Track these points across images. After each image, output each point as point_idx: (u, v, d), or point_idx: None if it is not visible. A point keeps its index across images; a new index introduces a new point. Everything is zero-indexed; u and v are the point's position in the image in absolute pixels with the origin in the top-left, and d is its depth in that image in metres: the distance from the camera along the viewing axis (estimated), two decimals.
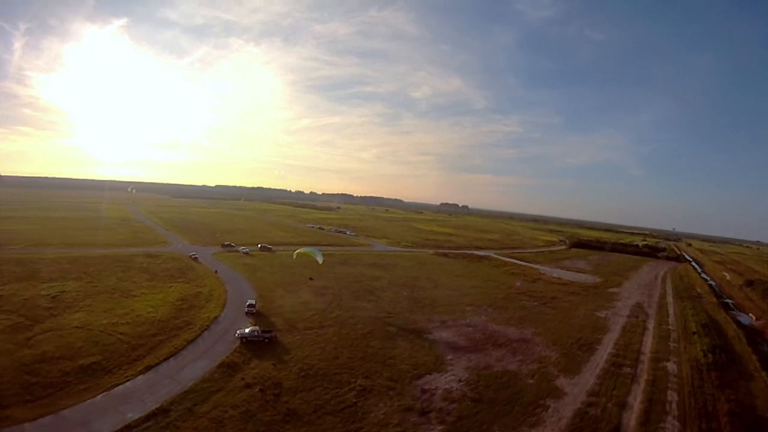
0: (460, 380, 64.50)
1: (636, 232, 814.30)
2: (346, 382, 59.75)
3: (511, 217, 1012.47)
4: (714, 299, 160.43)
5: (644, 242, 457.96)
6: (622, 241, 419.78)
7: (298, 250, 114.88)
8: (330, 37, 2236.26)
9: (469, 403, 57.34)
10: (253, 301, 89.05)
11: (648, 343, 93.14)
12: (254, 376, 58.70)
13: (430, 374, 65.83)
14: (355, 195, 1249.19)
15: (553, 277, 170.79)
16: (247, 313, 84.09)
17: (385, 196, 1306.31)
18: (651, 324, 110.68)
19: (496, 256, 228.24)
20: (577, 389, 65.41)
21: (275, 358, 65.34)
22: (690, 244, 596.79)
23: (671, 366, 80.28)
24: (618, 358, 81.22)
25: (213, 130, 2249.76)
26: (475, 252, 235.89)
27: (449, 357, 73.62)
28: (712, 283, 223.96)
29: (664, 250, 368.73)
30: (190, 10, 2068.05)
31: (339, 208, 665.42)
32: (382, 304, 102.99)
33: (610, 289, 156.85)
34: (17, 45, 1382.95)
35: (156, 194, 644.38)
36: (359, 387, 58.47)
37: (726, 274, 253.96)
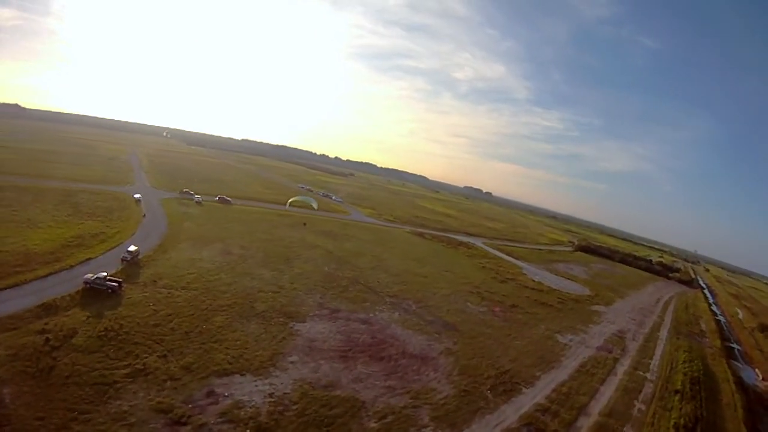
0: (271, 395, 46.84)
1: (655, 247, 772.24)
2: (135, 356, 48.48)
3: (531, 211, 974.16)
4: (718, 341, 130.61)
5: (659, 258, 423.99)
6: (635, 254, 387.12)
7: (291, 199, 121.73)
8: (379, 5, 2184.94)
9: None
10: (134, 249, 79.25)
11: (604, 398, 66.26)
12: (58, 323, 51.47)
13: (242, 375, 49.37)
14: (378, 165, 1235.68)
15: (532, 281, 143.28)
16: (122, 260, 75.49)
17: (409, 171, 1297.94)
18: (624, 365, 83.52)
19: (482, 245, 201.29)
20: None
21: (98, 310, 56.53)
22: (708, 270, 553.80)
23: None
24: (543, 418, 54.18)
25: (256, 81, 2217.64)
26: (459, 237, 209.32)
27: (292, 358, 55.23)
28: (721, 318, 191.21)
29: (677, 270, 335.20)
30: None
31: (351, 175, 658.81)
32: (284, 276, 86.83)
33: (595, 307, 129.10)
34: None
35: (177, 141, 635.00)
36: (139, 367, 46.40)
37: (739, 310, 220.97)
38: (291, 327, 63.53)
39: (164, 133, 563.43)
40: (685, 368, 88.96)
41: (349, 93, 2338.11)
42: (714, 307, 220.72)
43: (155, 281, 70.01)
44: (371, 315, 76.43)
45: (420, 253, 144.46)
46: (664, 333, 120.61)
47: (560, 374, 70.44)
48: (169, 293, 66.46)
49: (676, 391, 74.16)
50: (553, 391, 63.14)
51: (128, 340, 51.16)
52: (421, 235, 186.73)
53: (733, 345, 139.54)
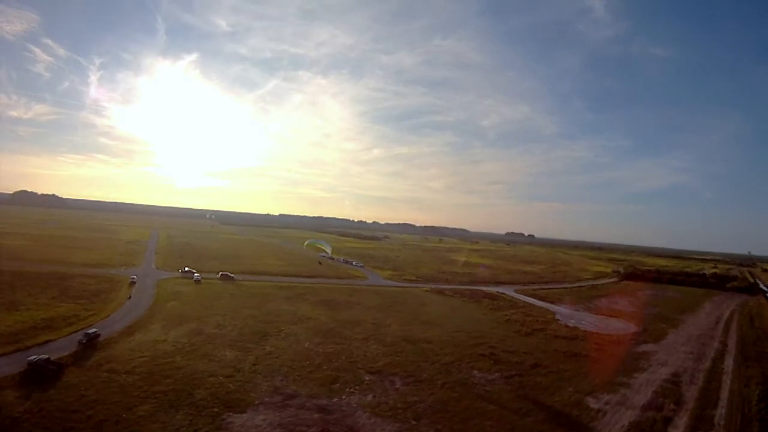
0: None
1: (707, 258, 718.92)
2: None
3: (575, 246, 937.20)
4: None
5: (713, 269, 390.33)
6: (687, 270, 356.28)
7: (306, 242, 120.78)
8: (396, 67, 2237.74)
9: None
10: (93, 331, 79.42)
11: None
12: None
13: None
14: (416, 224, 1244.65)
15: (565, 327, 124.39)
16: (79, 342, 75.22)
17: (449, 226, 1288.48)
18: (679, 427, 64.33)
19: (513, 294, 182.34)
20: None
21: (29, 392, 56.26)
22: (766, 270, 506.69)
23: None
24: None
25: (284, 160, 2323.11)
26: (487, 288, 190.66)
27: None
28: None
29: (734, 279, 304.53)
30: (258, 45, 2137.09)
31: (386, 238, 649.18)
32: (249, 357, 78.24)
33: (642, 347, 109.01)
34: (93, 78, 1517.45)
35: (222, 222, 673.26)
36: None
37: None
38: (223, 419, 54.20)
39: (207, 216, 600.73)
40: (762, 411, 69.59)
41: (380, 156, 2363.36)
42: None
43: (101, 365, 67.42)
44: (335, 400, 63.47)
45: (432, 314, 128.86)
46: (729, 363, 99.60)
47: None
48: (108, 377, 63.18)
49: None
50: None
51: (39, 424, 49.04)
52: (441, 292, 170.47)
53: None
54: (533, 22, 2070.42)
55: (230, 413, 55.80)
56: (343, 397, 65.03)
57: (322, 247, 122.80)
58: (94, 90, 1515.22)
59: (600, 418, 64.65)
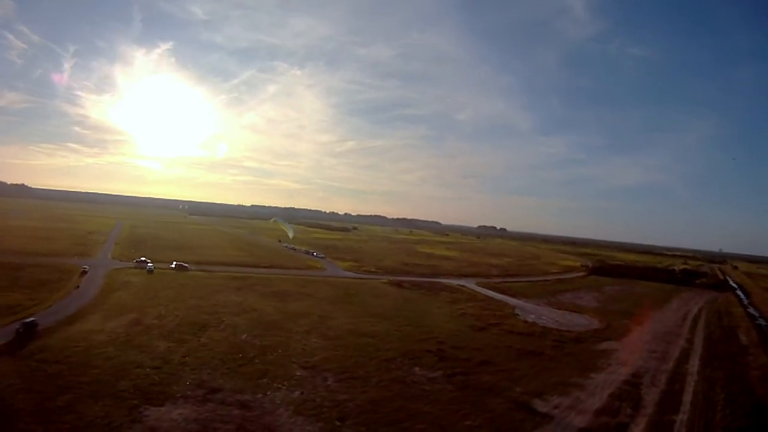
0: None
1: (679, 254, 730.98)
2: None
3: (548, 240, 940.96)
4: (764, 356, 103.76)
5: (683, 266, 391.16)
6: (657, 266, 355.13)
7: (273, 219, 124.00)
8: (372, 60, 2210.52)
9: None
10: (30, 320, 77.41)
11: None
12: None
13: None
14: (388, 217, 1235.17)
15: (524, 322, 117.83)
16: (16, 331, 72.73)
17: (422, 219, 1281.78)
18: None
19: (473, 286, 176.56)
20: None
21: None
22: (736, 267, 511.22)
23: None
24: None
25: (257, 151, 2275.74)
26: (448, 281, 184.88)
27: None
28: (762, 322, 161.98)
29: (704, 275, 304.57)
30: (234, 34, 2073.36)
31: (355, 229, 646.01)
32: (181, 349, 73.62)
33: (603, 345, 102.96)
34: (67, 66, 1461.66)
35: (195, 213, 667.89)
36: None
37: None
38: (140, 412, 51.42)
39: (180, 207, 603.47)
40: (726, 416, 62.30)
41: (354, 149, 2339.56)
42: (751, 310, 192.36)
43: (34, 354, 65.57)
44: (259, 396, 58.31)
45: (384, 307, 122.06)
46: (695, 363, 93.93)
47: None
48: (37, 367, 61.08)
49: None
50: None
51: None
52: (399, 284, 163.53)
53: None
54: (512, 18, 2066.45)
55: (148, 406, 53.00)
56: (269, 393, 59.77)
57: (286, 229, 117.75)
58: (68, 78, 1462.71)
59: (546, 423, 57.62)
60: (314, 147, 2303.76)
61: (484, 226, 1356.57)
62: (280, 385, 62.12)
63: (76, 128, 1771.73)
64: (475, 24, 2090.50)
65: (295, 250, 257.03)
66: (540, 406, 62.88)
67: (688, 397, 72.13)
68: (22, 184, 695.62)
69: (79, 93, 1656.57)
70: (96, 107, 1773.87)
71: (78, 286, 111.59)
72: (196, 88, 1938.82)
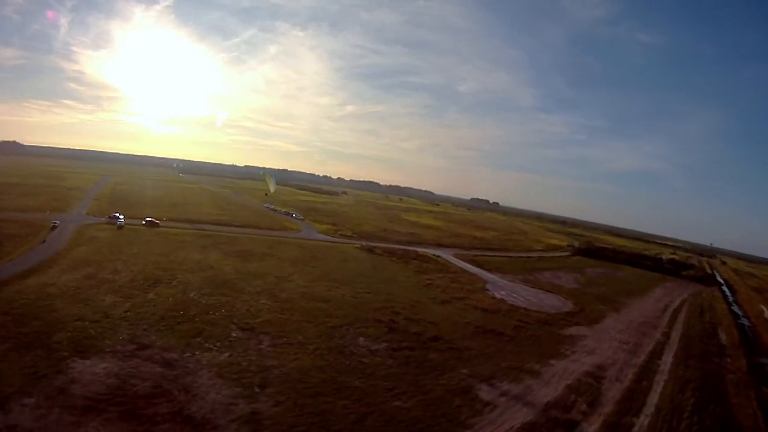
0: None
1: (669, 243, 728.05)
2: None
3: (539, 217, 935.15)
4: (743, 360, 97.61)
5: (672, 255, 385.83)
6: (645, 252, 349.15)
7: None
8: (377, 25, 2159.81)
9: None
10: None
11: None
12: None
13: None
14: (382, 183, 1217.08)
15: (492, 298, 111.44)
16: None
17: (415, 187, 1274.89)
18: None
19: (450, 257, 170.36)
20: None
21: None
22: (725, 263, 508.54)
23: None
24: None
25: (256, 111, 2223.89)
26: (425, 250, 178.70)
27: (28, 401, 41.90)
28: (745, 322, 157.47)
29: (692, 267, 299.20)
30: None
31: (344, 193, 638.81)
32: (126, 303, 71.73)
33: (572, 329, 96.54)
34: (63, 21, 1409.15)
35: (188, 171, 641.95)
36: None
37: (765, 308, 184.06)
38: (66, 363, 50.69)
39: (174, 165, 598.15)
40: (693, 425, 55.44)
41: (354, 113, 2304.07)
42: (734, 308, 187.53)
43: None
44: (187, 355, 56.18)
45: (348, 272, 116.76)
46: (668, 359, 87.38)
47: None
48: None
49: None
50: None
51: None
52: (371, 250, 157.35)
53: (762, 360, 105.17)
54: None
55: (76, 358, 52.16)
56: (197, 353, 57.29)
57: (269, 182, 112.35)
58: (64, 33, 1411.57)
59: (485, 414, 51.64)
60: (313, 110, 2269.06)
61: (477, 199, 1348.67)
62: (211, 346, 59.62)
63: (72, 84, 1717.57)
64: None
65: (275, 210, 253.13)
66: (484, 392, 57.05)
67: (653, 398, 65.93)
68: (14, 141, 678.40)
69: (75, 49, 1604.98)
70: (92, 63, 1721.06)
71: (44, 241, 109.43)
72: (195, 46, 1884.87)
